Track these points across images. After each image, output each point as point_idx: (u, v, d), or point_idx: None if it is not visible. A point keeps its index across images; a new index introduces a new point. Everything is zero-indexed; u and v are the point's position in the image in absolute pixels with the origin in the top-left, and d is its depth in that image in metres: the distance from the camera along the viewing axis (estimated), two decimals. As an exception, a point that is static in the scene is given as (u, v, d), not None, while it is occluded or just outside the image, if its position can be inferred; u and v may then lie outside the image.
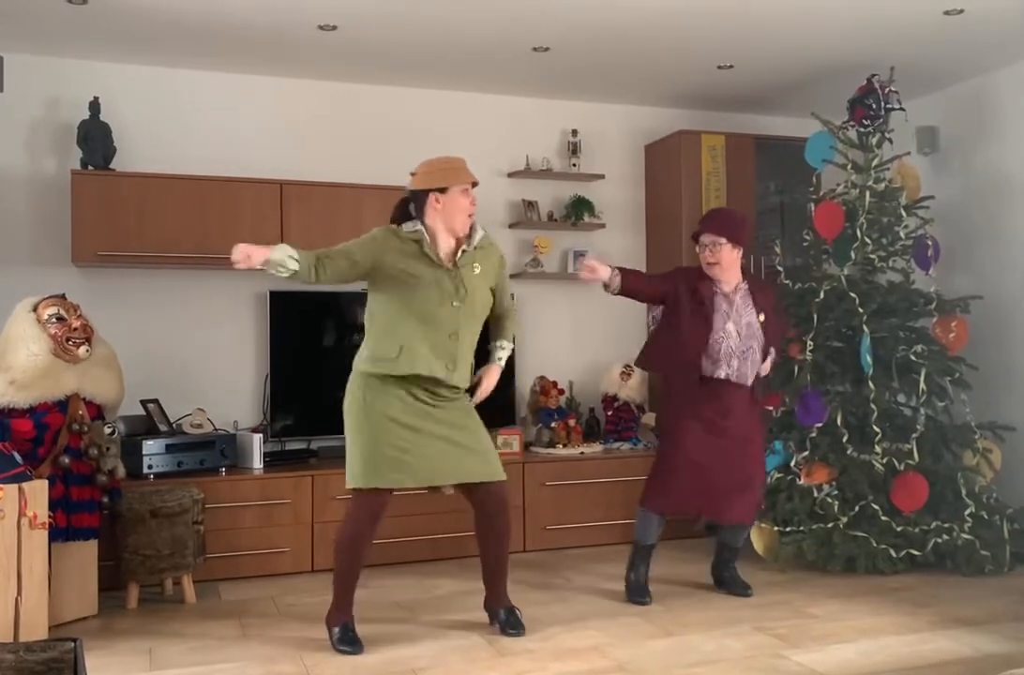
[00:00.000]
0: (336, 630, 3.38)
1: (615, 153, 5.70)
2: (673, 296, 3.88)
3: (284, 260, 3.18)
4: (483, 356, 3.59)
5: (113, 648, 3.40)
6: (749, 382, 3.85)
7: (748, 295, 3.90)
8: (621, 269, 3.85)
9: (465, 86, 5.31)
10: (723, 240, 3.84)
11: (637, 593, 3.94)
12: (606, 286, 3.85)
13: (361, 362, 3.39)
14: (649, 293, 3.96)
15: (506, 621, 3.52)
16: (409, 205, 3.42)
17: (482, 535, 3.55)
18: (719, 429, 3.83)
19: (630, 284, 3.85)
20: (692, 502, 3.89)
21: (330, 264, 3.27)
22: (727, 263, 3.86)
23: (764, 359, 3.90)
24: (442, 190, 3.33)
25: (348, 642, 3.34)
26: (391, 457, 3.28)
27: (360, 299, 4.94)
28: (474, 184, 3.42)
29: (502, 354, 3.58)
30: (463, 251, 3.39)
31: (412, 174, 3.40)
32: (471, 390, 3.51)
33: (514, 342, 3.66)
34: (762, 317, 3.87)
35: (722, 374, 3.81)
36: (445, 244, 3.38)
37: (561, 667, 3.15)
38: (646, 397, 5.46)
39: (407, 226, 3.37)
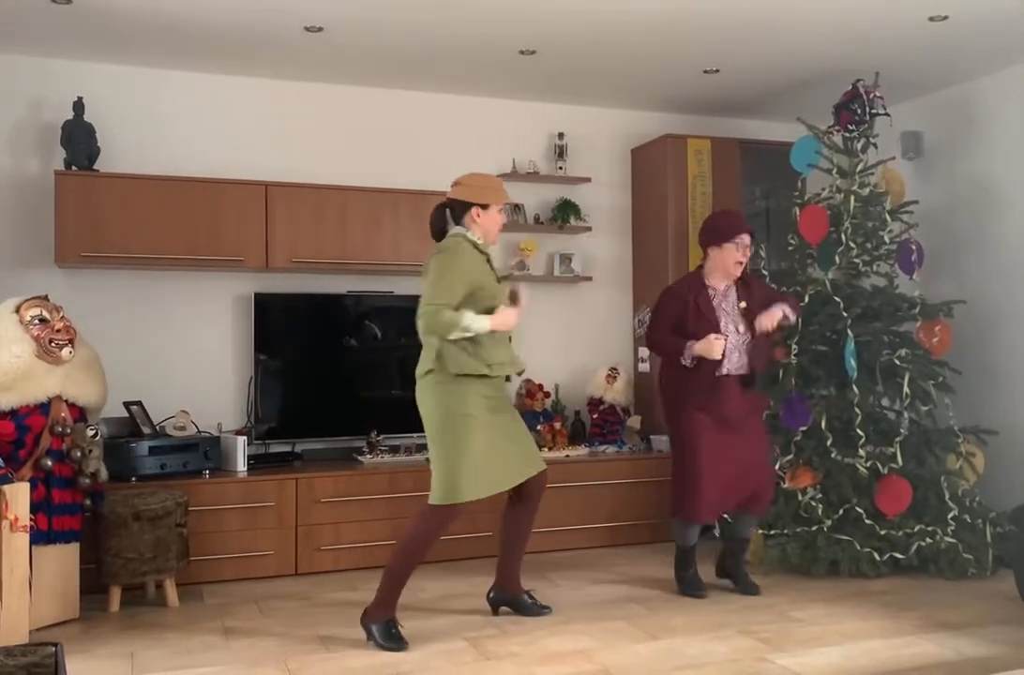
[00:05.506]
0: (377, 627, 3.40)
1: (601, 156, 5.71)
2: (680, 316, 4.00)
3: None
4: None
5: (95, 652, 3.38)
6: (747, 369, 3.97)
7: (733, 288, 4.04)
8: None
9: (451, 88, 5.30)
10: (750, 240, 4.02)
11: (693, 587, 4.02)
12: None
13: (452, 367, 3.41)
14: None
15: (534, 605, 3.76)
16: (446, 210, 3.61)
17: (514, 519, 3.71)
18: (728, 426, 3.91)
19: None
20: (725, 503, 3.96)
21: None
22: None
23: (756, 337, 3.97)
24: (484, 206, 3.56)
25: (393, 639, 3.38)
26: (474, 471, 3.38)
27: (343, 301, 4.96)
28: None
29: None
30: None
31: (456, 183, 3.58)
32: None
33: None
34: (743, 304, 3.99)
35: (724, 370, 3.91)
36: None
37: (546, 671, 3.14)
38: (631, 400, 5.46)
39: (469, 235, 3.55)
